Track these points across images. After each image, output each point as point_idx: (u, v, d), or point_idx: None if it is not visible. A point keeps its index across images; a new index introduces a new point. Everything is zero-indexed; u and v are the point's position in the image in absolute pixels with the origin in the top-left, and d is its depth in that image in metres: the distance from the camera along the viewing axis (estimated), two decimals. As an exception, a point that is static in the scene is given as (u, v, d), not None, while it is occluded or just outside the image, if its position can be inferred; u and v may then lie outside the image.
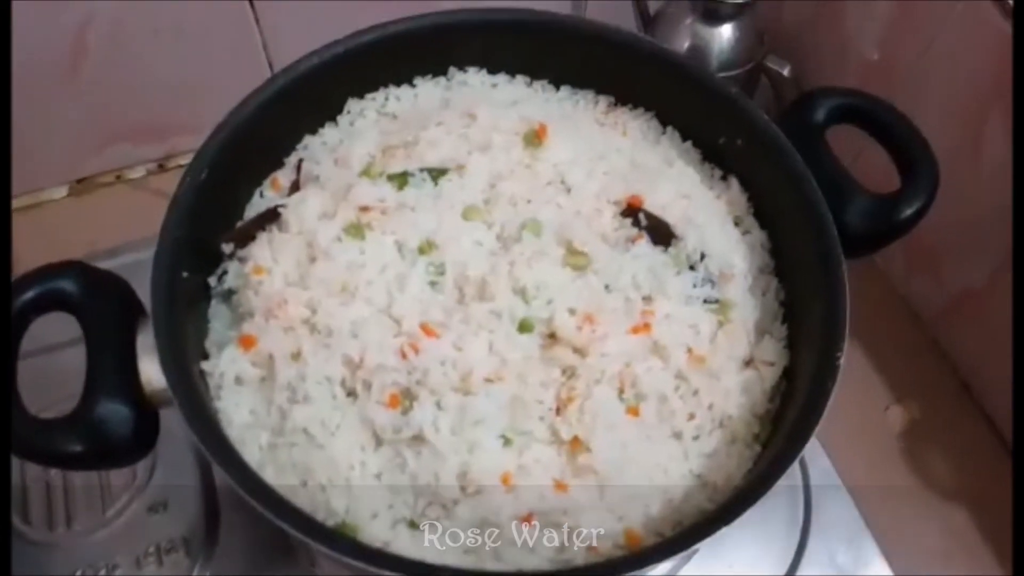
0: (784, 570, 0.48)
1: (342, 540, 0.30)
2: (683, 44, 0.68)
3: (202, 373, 0.36)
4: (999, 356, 0.60)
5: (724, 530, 0.31)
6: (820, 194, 0.38)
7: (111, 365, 0.34)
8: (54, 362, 0.48)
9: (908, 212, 0.38)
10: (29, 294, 0.34)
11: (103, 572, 0.47)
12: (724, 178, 0.43)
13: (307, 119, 0.44)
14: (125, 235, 0.65)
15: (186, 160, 0.74)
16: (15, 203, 0.71)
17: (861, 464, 0.57)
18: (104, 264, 0.54)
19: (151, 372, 0.34)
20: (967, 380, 0.66)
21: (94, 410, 0.33)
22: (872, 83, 0.67)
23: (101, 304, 0.35)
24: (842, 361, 0.34)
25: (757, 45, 0.71)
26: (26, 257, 0.69)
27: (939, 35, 0.60)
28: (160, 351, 0.33)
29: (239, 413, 0.36)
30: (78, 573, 0.47)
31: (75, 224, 0.70)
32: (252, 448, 0.35)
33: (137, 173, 0.73)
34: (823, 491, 0.52)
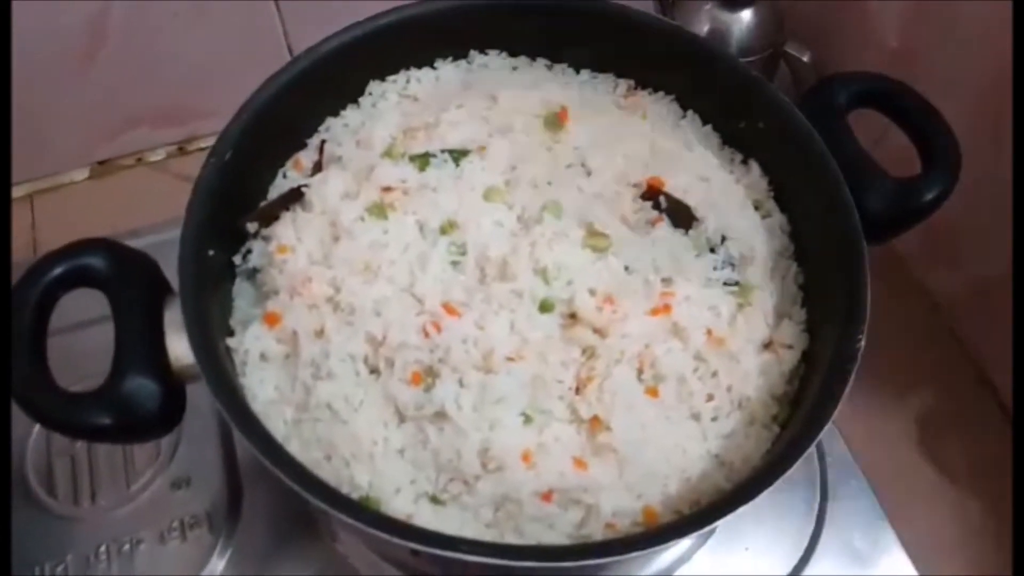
0: (800, 553, 0.49)
1: (366, 512, 0.31)
2: (702, 29, 0.68)
3: (227, 350, 0.37)
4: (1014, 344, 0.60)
5: (742, 509, 0.31)
6: (841, 177, 0.38)
7: (139, 341, 0.34)
8: (78, 340, 0.49)
9: (929, 196, 0.38)
10: (57, 270, 0.35)
11: (127, 547, 0.47)
12: (744, 162, 0.43)
13: (329, 101, 0.45)
14: (145, 217, 0.66)
15: (206, 143, 0.75)
16: (36, 185, 0.72)
17: (876, 450, 0.57)
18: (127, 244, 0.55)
19: (178, 348, 0.34)
20: (983, 369, 0.66)
21: (123, 385, 0.33)
22: (893, 70, 0.67)
23: (128, 281, 0.36)
24: (862, 345, 0.34)
25: (776, 31, 0.71)
26: (47, 238, 0.70)
27: (960, 22, 0.59)
28: (187, 327, 0.34)
29: (264, 389, 0.36)
30: (102, 547, 0.48)
31: (96, 206, 0.71)
32: (277, 423, 0.35)
33: (157, 156, 0.74)
34: (840, 476, 0.52)
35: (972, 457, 0.61)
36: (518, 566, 0.30)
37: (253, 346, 0.37)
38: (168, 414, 0.35)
